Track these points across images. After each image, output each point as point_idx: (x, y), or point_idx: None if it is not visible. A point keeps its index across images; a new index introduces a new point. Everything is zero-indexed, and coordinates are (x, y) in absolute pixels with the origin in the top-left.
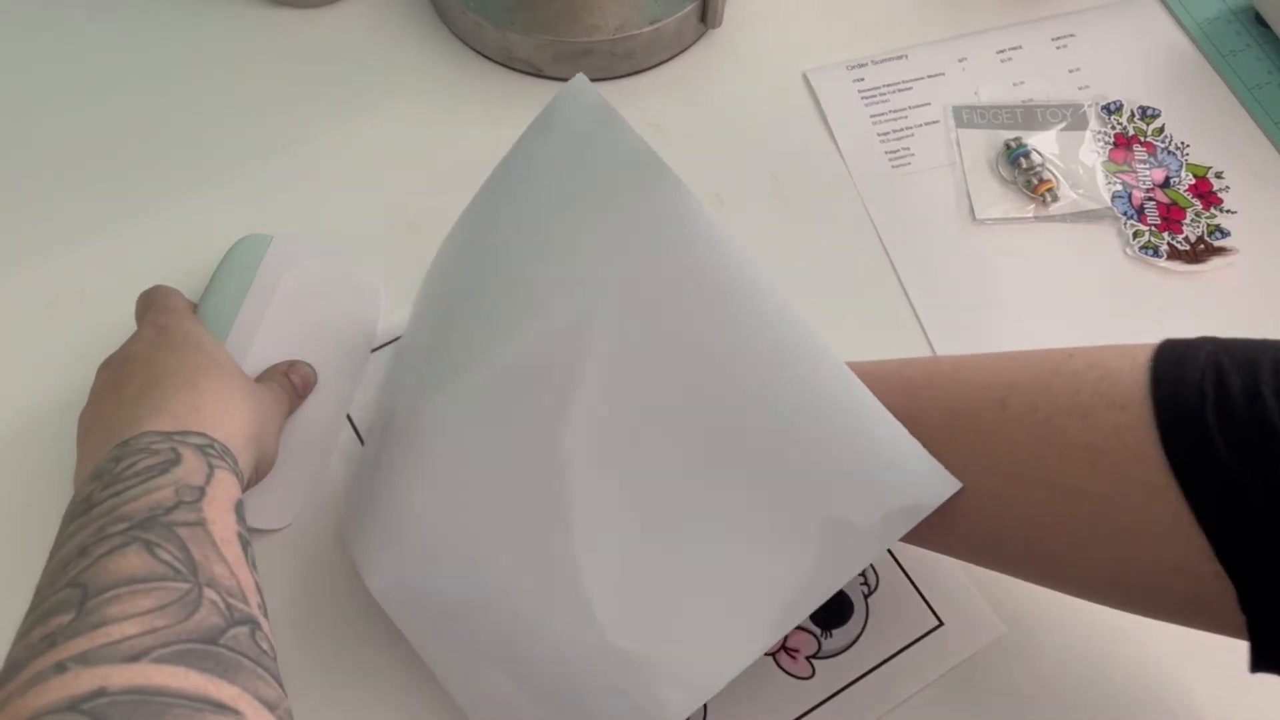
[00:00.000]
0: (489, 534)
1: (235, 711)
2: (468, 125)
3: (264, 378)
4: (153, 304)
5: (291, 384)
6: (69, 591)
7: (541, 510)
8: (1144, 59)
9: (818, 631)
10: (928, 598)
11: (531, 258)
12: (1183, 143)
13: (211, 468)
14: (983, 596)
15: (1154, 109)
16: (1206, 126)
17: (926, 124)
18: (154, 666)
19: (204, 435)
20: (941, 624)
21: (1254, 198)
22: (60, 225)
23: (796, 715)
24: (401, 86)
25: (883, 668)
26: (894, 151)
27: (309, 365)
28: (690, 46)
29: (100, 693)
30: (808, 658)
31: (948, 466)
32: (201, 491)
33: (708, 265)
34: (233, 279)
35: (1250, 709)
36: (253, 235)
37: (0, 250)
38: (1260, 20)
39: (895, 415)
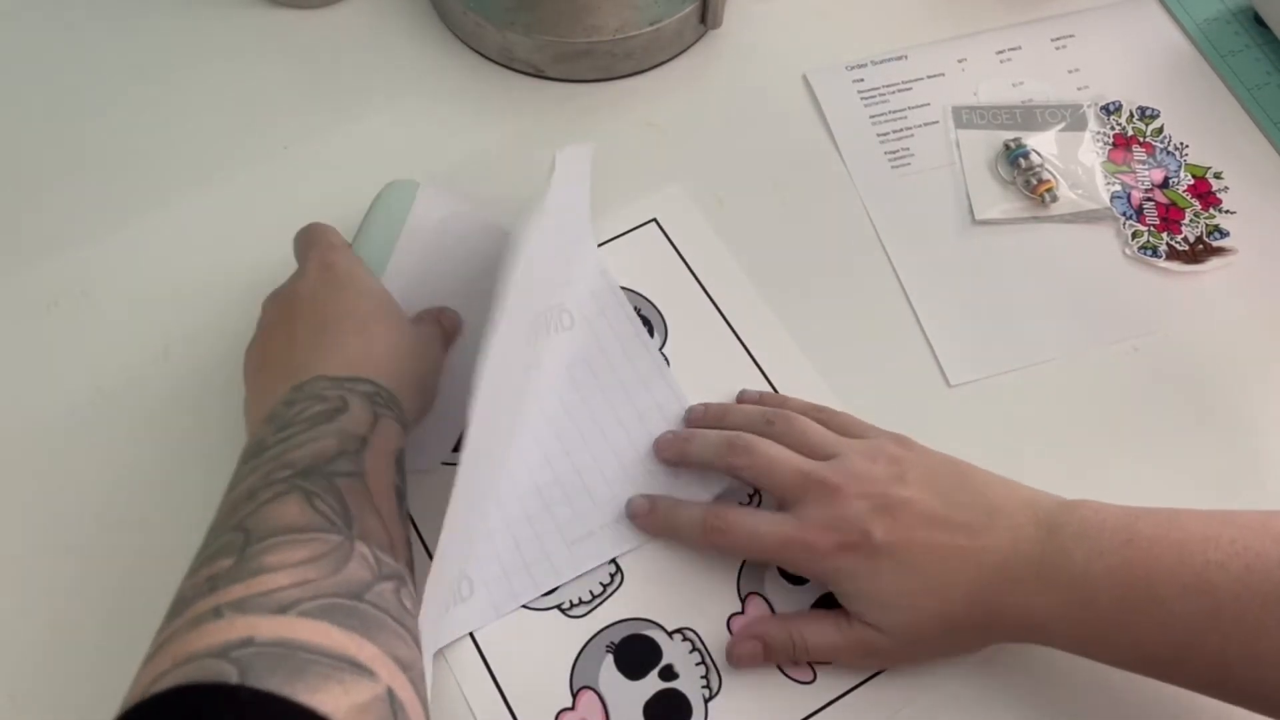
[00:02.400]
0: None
1: (371, 672)
2: (468, 125)
3: (417, 321)
4: (314, 241)
5: (443, 329)
6: (233, 535)
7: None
8: (1143, 59)
9: None
10: None
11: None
12: (1182, 143)
13: (376, 416)
14: None
15: (1153, 109)
16: (1205, 127)
17: (926, 124)
18: (300, 620)
19: (372, 382)
20: None
21: (1253, 198)
22: (60, 225)
23: (798, 719)
24: (401, 87)
25: (885, 673)
26: (894, 152)
27: (455, 312)
28: (690, 47)
29: (248, 642)
30: (810, 661)
31: None
32: (364, 441)
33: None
34: (385, 223)
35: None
36: (401, 180)
37: (1, 250)
38: (1259, 21)
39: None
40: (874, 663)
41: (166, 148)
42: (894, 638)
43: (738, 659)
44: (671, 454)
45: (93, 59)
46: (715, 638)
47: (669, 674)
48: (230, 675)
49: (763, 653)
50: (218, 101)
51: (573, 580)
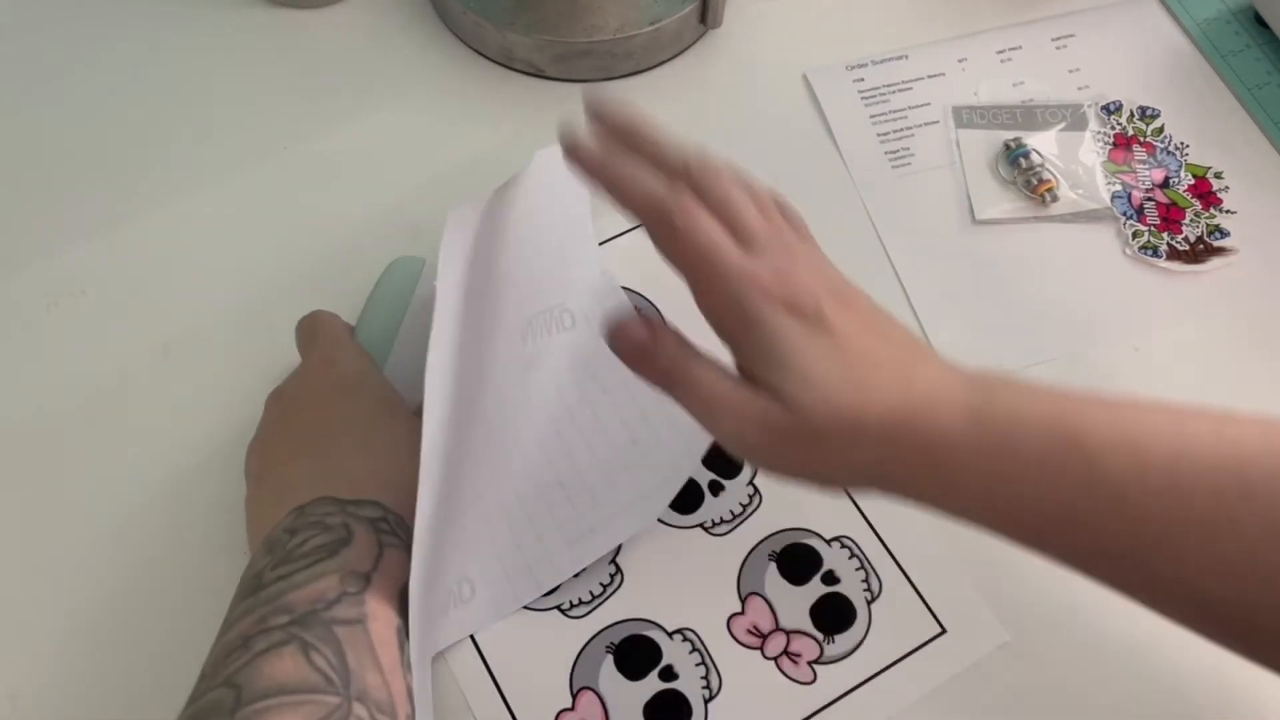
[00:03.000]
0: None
1: None
2: (468, 125)
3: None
4: (316, 334)
5: None
6: (224, 693)
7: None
8: (1144, 59)
9: (820, 637)
10: (930, 604)
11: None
12: (1182, 143)
13: (381, 546)
14: (986, 604)
15: (1153, 109)
16: (1206, 127)
17: (926, 124)
18: None
19: (378, 505)
20: (944, 631)
21: (1253, 198)
22: (61, 225)
23: None
24: (401, 87)
25: (885, 674)
26: (894, 152)
27: None
28: (690, 47)
29: None
30: (809, 663)
31: None
32: (367, 580)
33: None
34: (390, 302)
35: None
36: (406, 257)
37: (1, 250)
38: (1260, 21)
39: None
40: (747, 446)
41: (166, 147)
42: (795, 417)
43: (614, 336)
44: (590, 167)
45: (92, 59)
46: (715, 638)
47: (669, 674)
48: None
49: (642, 356)
50: (218, 101)
51: (572, 580)
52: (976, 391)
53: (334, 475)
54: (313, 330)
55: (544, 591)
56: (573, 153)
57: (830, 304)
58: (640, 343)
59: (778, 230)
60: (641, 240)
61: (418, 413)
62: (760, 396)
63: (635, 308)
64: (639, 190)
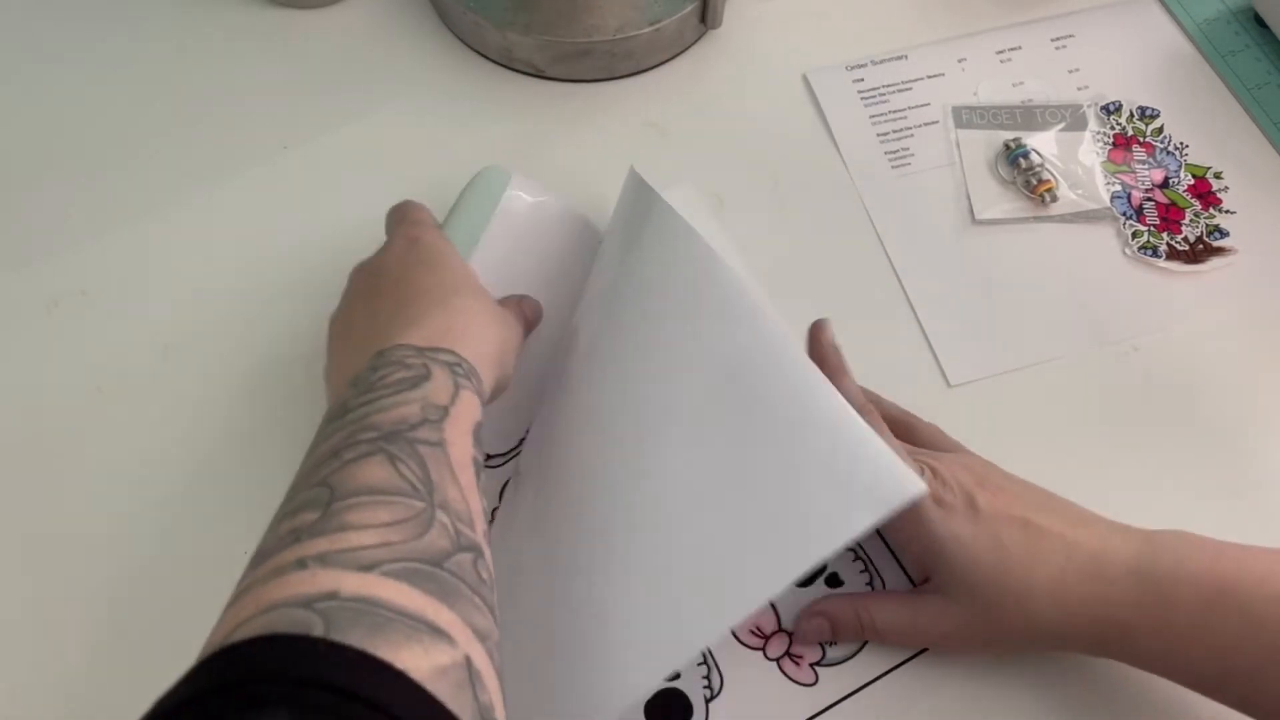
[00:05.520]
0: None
1: (449, 637)
2: (468, 125)
3: (499, 304)
4: (405, 217)
5: (524, 315)
6: (318, 490)
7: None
8: (1143, 59)
9: None
10: None
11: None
12: (1182, 143)
13: (458, 387)
14: None
15: (1153, 109)
16: (1205, 127)
17: (926, 124)
18: (382, 580)
19: (454, 353)
20: None
21: (1253, 198)
22: (61, 225)
23: None
24: (401, 87)
25: (886, 677)
26: (894, 152)
27: (537, 301)
28: (690, 47)
29: (333, 595)
30: (811, 664)
31: None
32: (445, 411)
33: (719, 306)
34: (476, 207)
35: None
36: (494, 167)
37: (1, 250)
38: (1259, 21)
39: None
40: (945, 645)
41: (166, 147)
42: (969, 616)
43: (803, 635)
44: None
45: (92, 59)
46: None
47: (670, 674)
48: (314, 626)
49: (830, 630)
50: (218, 101)
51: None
52: (1141, 555)
53: (412, 326)
54: (402, 213)
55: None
56: None
57: (982, 494)
58: (826, 636)
59: (916, 457)
60: None
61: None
62: (933, 604)
63: None
64: None
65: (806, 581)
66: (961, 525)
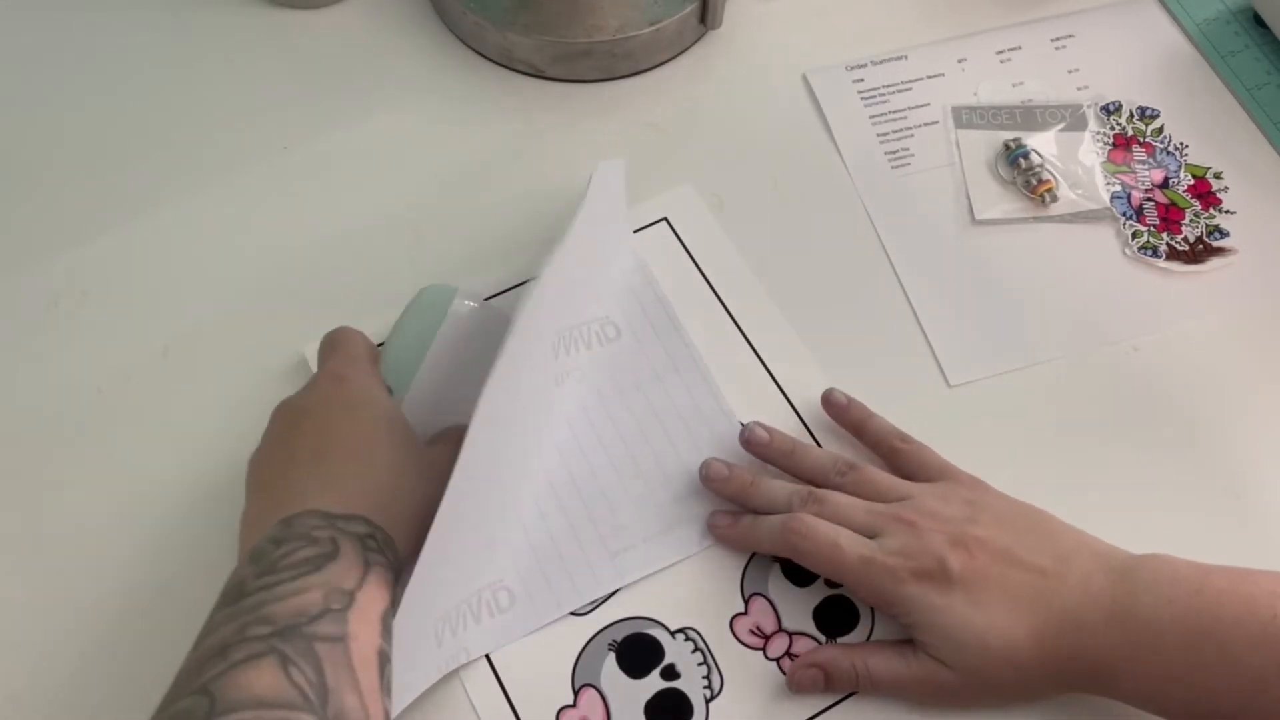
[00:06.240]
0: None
1: None
2: (468, 126)
3: (438, 439)
4: (335, 350)
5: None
6: (198, 700)
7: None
8: (1143, 60)
9: (823, 639)
10: None
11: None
12: (1182, 143)
13: (367, 565)
14: None
15: (1153, 109)
16: (1205, 127)
17: (926, 124)
18: None
19: (368, 522)
20: None
21: (1253, 198)
22: (60, 225)
23: None
24: (401, 87)
25: None
26: (894, 152)
27: None
28: (690, 47)
29: None
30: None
31: None
32: (351, 598)
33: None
34: (417, 329)
35: None
36: (437, 285)
37: (1, 250)
38: (1259, 21)
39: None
40: (940, 700)
41: (166, 147)
42: (960, 675)
43: (798, 684)
44: (730, 491)
45: (92, 59)
46: (718, 638)
47: (671, 673)
48: None
49: (824, 680)
50: (218, 101)
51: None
52: (1118, 600)
53: (326, 488)
54: (332, 345)
55: (586, 601)
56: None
57: (955, 556)
58: (820, 687)
59: (893, 514)
60: (650, 238)
61: (430, 442)
62: (926, 662)
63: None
64: (761, 530)
65: (807, 581)
66: (938, 597)
